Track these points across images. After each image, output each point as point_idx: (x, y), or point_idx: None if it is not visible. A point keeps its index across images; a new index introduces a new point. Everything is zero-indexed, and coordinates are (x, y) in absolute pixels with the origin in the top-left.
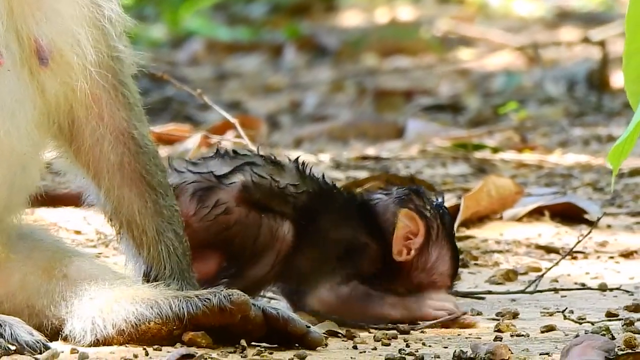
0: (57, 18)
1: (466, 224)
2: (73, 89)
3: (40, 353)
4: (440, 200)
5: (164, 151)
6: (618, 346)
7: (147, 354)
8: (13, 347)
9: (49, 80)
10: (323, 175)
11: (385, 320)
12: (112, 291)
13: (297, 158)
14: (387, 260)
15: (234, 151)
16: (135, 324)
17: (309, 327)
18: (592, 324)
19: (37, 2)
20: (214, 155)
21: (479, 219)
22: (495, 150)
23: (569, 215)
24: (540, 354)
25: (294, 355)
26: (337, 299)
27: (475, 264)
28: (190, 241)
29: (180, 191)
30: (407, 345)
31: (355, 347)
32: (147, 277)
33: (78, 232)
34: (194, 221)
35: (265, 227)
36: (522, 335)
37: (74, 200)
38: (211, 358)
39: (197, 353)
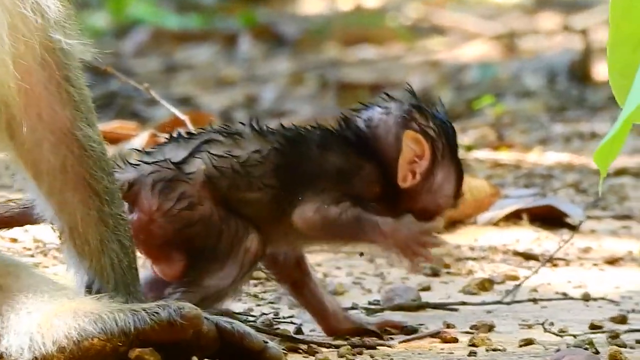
0: None
1: None
2: (2, 84)
3: None
4: (442, 111)
5: (108, 151)
6: None
7: None
8: None
9: None
10: (282, 125)
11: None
12: (52, 304)
13: (251, 119)
14: (389, 185)
15: (189, 132)
16: (78, 340)
17: (267, 342)
18: (575, 336)
19: None
20: (169, 140)
21: (451, 224)
22: (469, 148)
23: (549, 218)
24: None
25: None
26: (323, 219)
27: (448, 273)
28: (154, 238)
29: (140, 186)
30: None
31: None
32: (90, 289)
33: (14, 240)
34: (157, 216)
35: (227, 235)
36: (499, 349)
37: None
38: None
39: None
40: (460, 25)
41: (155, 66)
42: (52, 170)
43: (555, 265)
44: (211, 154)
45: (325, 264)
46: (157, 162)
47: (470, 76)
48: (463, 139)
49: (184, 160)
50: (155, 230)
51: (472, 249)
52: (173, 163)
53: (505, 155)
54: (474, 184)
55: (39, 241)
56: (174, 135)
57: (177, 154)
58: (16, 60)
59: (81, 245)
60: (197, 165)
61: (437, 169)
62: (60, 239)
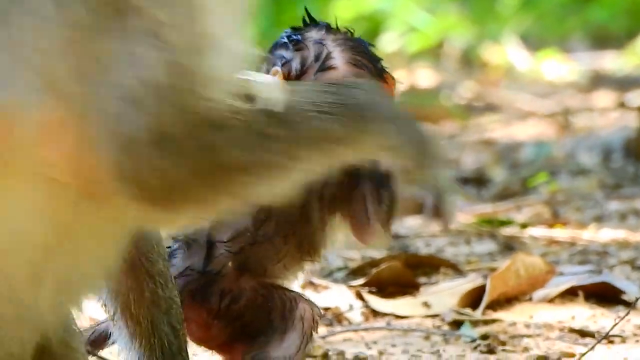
0: None
1: (493, 306)
2: None
3: None
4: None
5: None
6: None
7: None
8: None
9: None
10: None
11: None
12: None
13: None
14: None
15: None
16: None
17: None
18: None
19: None
20: (177, 246)
21: (506, 301)
22: (523, 226)
23: (604, 295)
24: None
25: None
26: (384, 223)
27: (503, 350)
28: (218, 339)
29: (182, 300)
30: None
31: None
32: None
33: None
34: (210, 320)
35: (276, 310)
36: None
37: None
38: None
39: None
40: (514, 103)
41: None
42: None
43: (611, 342)
44: (224, 242)
45: (381, 341)
46: (182, 273)
47: (525, 154)
48: (517, 217)
49: (206, 264)
50: (215, 332)
51: (527, 326)
52: (199, 272)
53: (560, 233)
54: (529, 262)
55: (94, 320)
56: (178, 239)
57: (195, 258)
58: None
59: (133, 325)
60: (223, 262)
61: None
62: (112, 319)
